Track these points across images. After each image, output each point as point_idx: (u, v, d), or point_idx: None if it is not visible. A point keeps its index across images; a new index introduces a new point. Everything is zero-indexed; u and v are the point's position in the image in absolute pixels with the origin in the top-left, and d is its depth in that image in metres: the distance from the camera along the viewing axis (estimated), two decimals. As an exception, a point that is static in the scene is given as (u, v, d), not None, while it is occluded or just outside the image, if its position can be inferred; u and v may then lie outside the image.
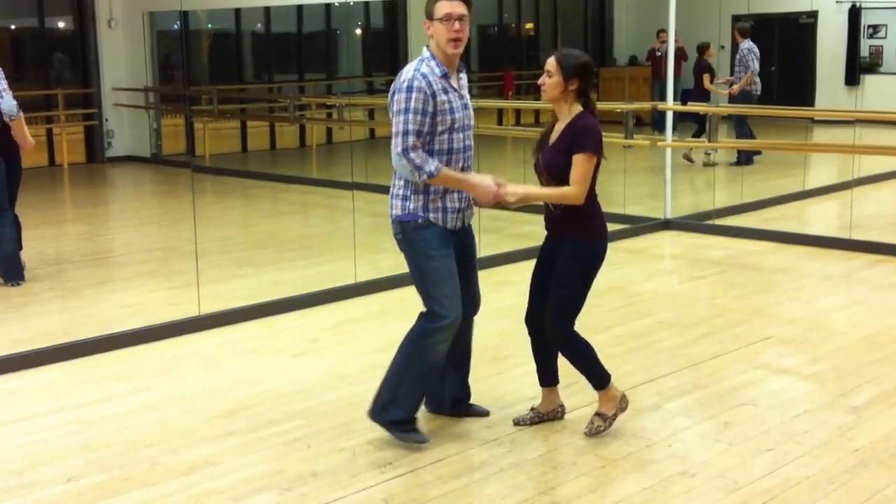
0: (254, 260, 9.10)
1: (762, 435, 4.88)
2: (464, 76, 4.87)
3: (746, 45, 14.50)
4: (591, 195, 4.76)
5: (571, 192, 4.64)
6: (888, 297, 7.55)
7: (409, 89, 4.56)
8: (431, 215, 4.70)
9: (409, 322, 6.98)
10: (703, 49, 14.90)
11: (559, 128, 4.80)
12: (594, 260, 4.82)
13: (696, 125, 14.12)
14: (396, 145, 4.57)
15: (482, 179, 4.69)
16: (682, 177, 12.79)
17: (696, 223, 10.16)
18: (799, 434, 4.87)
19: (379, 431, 4.96)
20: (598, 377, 4.91)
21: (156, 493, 4.37)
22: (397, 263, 8.70)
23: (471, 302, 4.95)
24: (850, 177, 11.20)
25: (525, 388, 5.55)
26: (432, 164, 4.56)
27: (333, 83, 19.67)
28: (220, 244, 9.65)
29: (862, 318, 6.98)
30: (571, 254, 4.79)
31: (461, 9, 4.71)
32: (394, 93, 4.64)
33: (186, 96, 16.99)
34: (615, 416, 4.92)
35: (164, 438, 4.98)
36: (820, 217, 11.33)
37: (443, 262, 4.72)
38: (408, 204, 4.70)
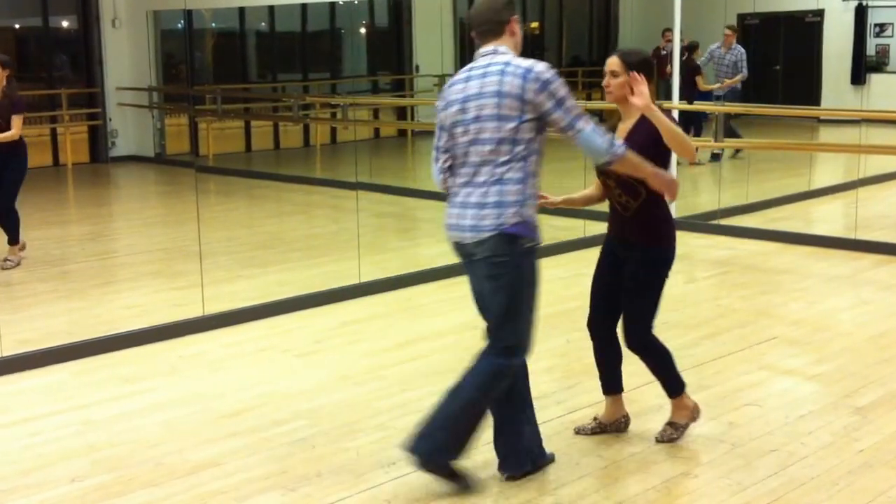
0: (258, 260, 9.11)
1: (766, 436, 4.87)
2: None
3: (740, 47, 14.57)
4: (663, 199, 4.64)
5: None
6: (894, 297, 7.54)
7: (558, 75, 4.28)
8: (537, 235, 4.32)
9: (414, 323, 7.03)
10: (692, 49, 14.86)
11: (624, 128, 4.65)
12: (668, 265, 4.70)
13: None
14: (586, 123, 4.17)
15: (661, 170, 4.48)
16: (687, 176, 12.78)
17: (701, 223, 10.15)
18: (804, 435, 4.87)
19: (383, 432, 4.97)
20: (675, 384, 4.84)
21: (160, 494, 4.38)
22: (402, 264, 8.78)
23: None
24: (856, 177, 11.18)
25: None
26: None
27: (338, 82, 19.68)
28: (224, 244, 9.65)
29: (867, 318, 6.97)
30: (647, 260, 4.66)
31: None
32: (547, 83, 4.19)
33: (190, 96, 17.01)
34: (686, 425, 4.86)
35: (168, 439, 4.99)
36: (825, 217, 11.32)
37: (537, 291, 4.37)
38: (525, 211, 4.23)
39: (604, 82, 4.65)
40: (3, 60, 8.45)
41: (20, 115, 8.55)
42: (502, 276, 4.23)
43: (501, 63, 4.24)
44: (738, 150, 14.05)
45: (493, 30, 4.38)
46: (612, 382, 4.94)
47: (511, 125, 4.14)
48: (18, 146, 8.65)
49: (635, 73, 4.45)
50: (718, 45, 14.86)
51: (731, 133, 13.53)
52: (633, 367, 5.86)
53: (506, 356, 4.30)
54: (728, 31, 14.83)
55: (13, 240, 8.79)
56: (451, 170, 4.40)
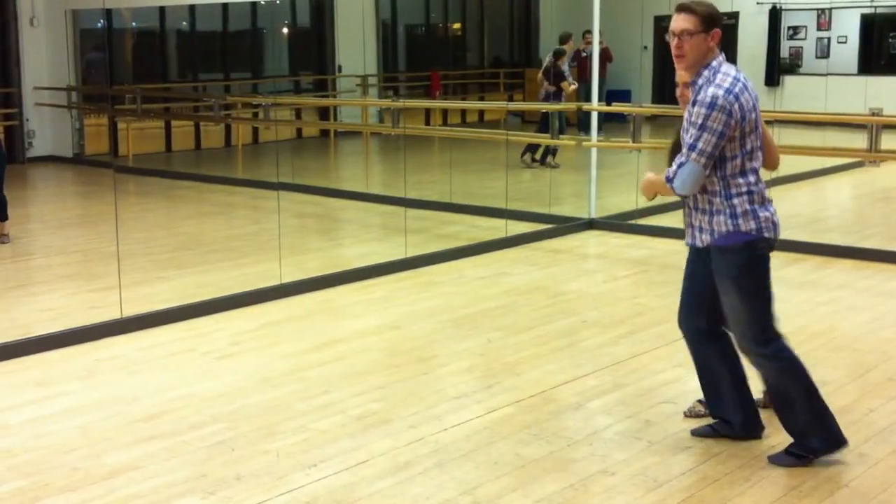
0: (177, 262, 9.02)
1: (681, 433, 4.96)
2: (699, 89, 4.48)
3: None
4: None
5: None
6: (805, 295, 7.71)
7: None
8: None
9: (334, 324, 7.03)
10: (558, 55, 15.02)
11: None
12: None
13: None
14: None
15: None
16: (607, 177, 12.92)
17: (620, 223, 10.28)
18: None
19: (303, 434, 4.97)
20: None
21: (77, 499, 4.33)
22: (322, 264, 8.77)
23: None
24: (769, 176, 11.37)
25: (449, 387, 5.59)
26: None
27: (259, 82, 19.56)
28: (143, 246, 9.55)
29: (780, 315, 7.08)
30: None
31: (681, 23, 4.45)
32: None
33: (110, 95, 16.77)
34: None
35: (85, 443, 4.93)
36: (740, 216, 11.50)
37: None
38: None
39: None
40: None
41: None
42: None
43: None
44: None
45: None
46: None
47: None
48: None
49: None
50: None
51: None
52: (553, 366, 5.96)
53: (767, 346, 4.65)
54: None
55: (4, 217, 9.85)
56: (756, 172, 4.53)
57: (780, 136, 11.76)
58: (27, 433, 5.08)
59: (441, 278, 8.26)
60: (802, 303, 7.47)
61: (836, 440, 4.60)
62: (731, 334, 4.75)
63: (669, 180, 4.47)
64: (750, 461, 4.63)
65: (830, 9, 20.23)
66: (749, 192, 4.47)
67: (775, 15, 20.32)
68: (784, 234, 9.34)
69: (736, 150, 4.43)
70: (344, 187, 13.37)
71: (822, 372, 5.85)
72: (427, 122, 18.54)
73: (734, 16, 20.27)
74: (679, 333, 6.56)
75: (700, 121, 4.35)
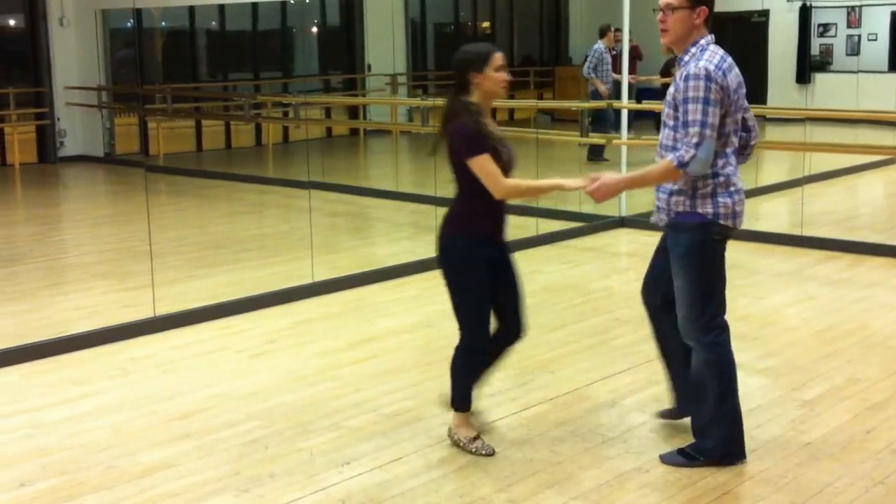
0: (209, 260, 9.06)
1: (716, 430, 4.93)
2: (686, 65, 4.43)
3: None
4: None
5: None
6: (838, 292, 7.65)
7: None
8: None
9: (366, 322, 7.03)
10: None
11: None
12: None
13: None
14: None
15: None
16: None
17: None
18: (752, 429, 4.93)
19: (337, 432, 4.97)
20: None
21: (111, 497, 4.35)
22: (354, 263, 8.78)
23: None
24: (802, 174, 11.32)
25: (483, 385, 5.58)
26: None
27: (289, 81, 19.59)
28: (174, 245, 9.60)
29: (813, 313, 7.08)
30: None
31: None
32: None
33: (140, 95, 16.86)
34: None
35: (119, 442, 4.96)
36: (772, 214, 11.45)
37: None
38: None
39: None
40: None
41: None
42: None
43: None
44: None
45: None
46: None
47: None
48: None
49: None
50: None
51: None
52: (586, 364, 5.94)
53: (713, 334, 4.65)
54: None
55: None
56: (726, 156, 4.45)
57: (812, 134, 11.72)
58: (61, 432, 5.11)
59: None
60: (835, 300, 7.41)
61: (731, 451, 4.54)
62: None
63: (683, 165, 4.29)
64: (785, 457, 4.59)
65: (861, 6, 20.05)
66: (714, 175, 4.38)
67: (805, 13, 20.17)
68: (816, 232, 9.39)
69: None
70: (374, 186, 13.38)
71: (854, 369, 5.83)
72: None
73: (765, 13, 20.15)
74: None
75: (701, 94, 4.25)
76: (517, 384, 5.63)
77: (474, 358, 4.69)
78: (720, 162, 4.39)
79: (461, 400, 4.71)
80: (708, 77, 4.26)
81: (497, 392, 5.47)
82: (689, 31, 4.43)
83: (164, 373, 6.04)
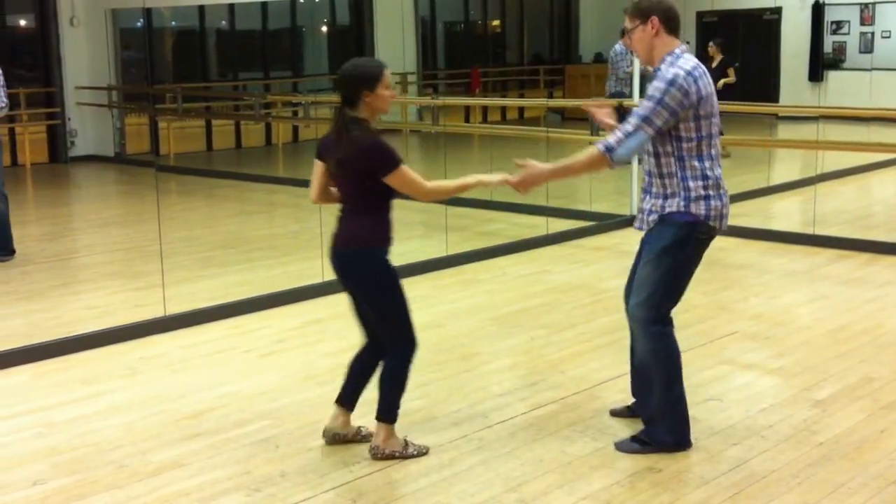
0: (219, 260, 9.06)
1: (728, 430, 4.91)
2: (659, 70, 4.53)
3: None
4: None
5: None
6: (851, 292, 7.62)
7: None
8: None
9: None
10: None
11: None
12: None
13: None
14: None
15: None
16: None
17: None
18: (764, 428, 4.91)
19: (347, 431, 4.96)
20: None
21: (122, 496, 4.35)
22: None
23: None
24: (814, 172, 11.29)
25: (492, 385, 5.57)
26: None
27: (299, 81, 19.61)
28: (185, 244, 9.60)
29: (826, 313, 7.05)
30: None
31: (626, 23, 4.61)
32: None
33: (150, 95, 16.89)
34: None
35: (130, 441, 4.95)
36: (784, 213, 11.42)
37: None
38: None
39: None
40: None
41: None
42: None
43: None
44: None
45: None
46: None
47: None
48: None
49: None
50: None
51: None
52: (597, 364, 5.93)
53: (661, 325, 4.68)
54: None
55: None
56: (712, 158, 4.53)
57: (825, 132, 11.67)
58: (73, 431, 5.11)
59: (483, 276, 8.24)
60: (849, 300, 7.38)
61: (678, 440, 4.65)
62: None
63: (610, 150, 4.36)
64: (798, 457, 4.57)
65: (874, 3, 20.01)
66: (705, 177, 4.45)
67: (818, 10, 20.13)
68: (829, 231, 9.36)
69: (692, 132, 4.42)
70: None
71: (868, 369, 5.80)
72: (466, 120, 18.50)
73: (777, 11, 20.11)
74: (725, 330, 6.54)
75: (657, 95, 4.35)
76: (527, 384, 5.61)
77: (410, 363, 4.68)
78: (707, 164, 4.48)
79: (393, 410, 4.65)
80: (672, 83, 4.35)
81: (507, 392, 5.46)
82: (650, 45, 4.55)
83: (175, 372, 6.04)
